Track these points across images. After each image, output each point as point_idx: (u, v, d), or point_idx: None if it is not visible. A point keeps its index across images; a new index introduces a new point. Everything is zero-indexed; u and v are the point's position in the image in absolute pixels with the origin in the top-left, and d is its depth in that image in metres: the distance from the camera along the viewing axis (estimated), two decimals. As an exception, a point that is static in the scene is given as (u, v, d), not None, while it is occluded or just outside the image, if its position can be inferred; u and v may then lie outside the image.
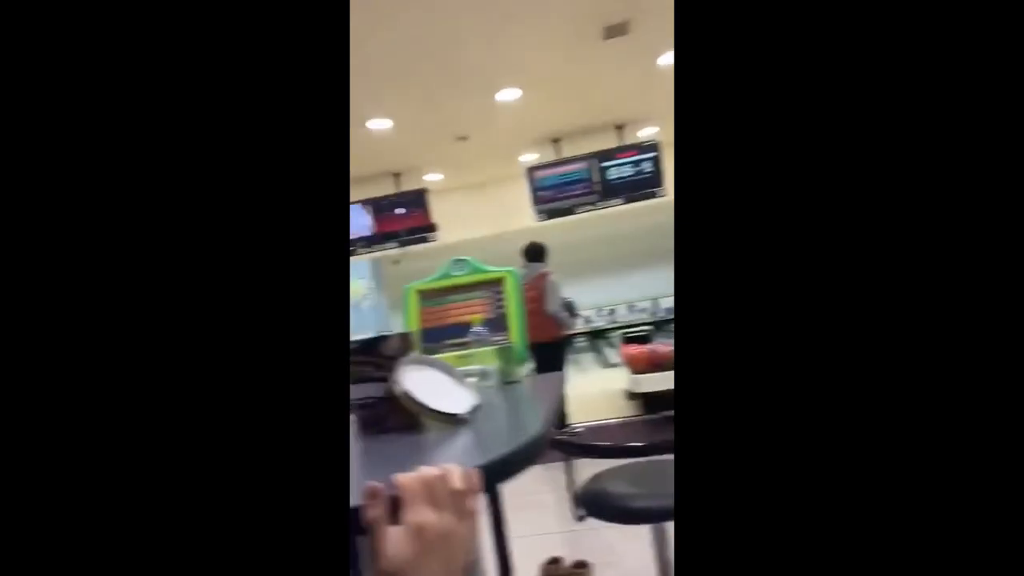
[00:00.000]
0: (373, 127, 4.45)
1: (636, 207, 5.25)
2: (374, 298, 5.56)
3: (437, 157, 5.56)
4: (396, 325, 5.51)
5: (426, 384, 0.84)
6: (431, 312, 1.43)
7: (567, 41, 3.60)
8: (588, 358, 7.88)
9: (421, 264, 4.94)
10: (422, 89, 3.95)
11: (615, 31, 3.54)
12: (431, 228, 5.44)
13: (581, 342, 7.94)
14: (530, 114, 4.73)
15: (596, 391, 5.06)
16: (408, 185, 5.63)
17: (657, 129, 5.55)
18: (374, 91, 3.86)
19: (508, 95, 4.31)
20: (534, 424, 0.76)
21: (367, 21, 2.90)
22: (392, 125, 4.47)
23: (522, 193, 5.25)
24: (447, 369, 0.92)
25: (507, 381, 1.21)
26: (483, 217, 6.42)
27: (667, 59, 4.07)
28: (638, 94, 4.72)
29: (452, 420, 0.81)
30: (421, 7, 2.88)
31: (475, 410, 0.84)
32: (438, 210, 5.51)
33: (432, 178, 6.06)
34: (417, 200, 5.43)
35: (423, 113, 4.38)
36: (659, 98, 4.78)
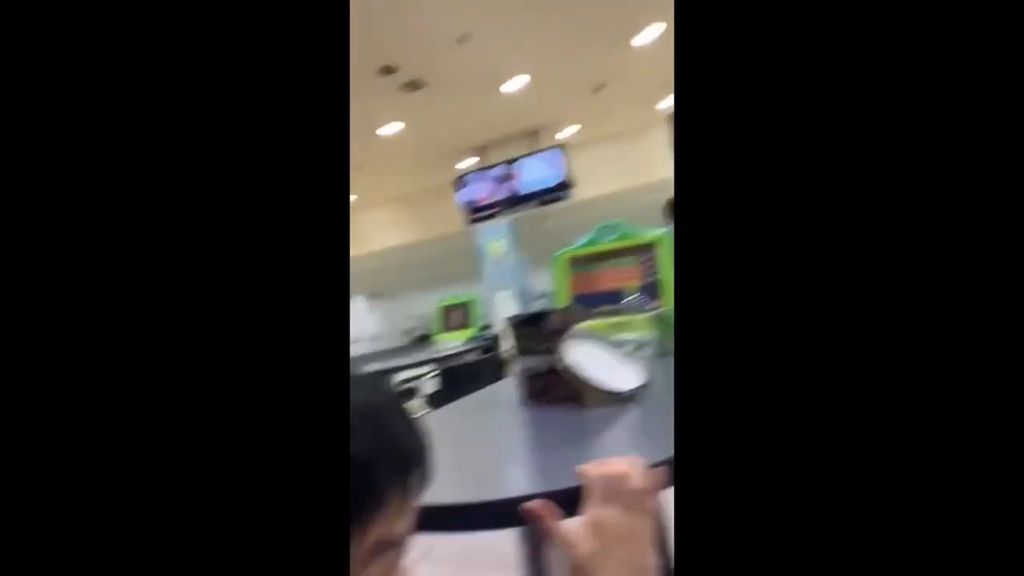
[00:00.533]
0: (507, 88, 4.45)
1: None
2: (512, 258, 5.74)
3: (573, 110, 5.43)
4: (535, 284, 5.65)
5: (591, 359, 0.84)
6: (582, 278, 1.43)
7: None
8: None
9: (563, 222, 4.92)
10: (555, 40, 3.83)
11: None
12: (567, 186, 5.39)
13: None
14: (669, 55, 4.34)
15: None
16: (545, 142, 5.60)
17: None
18: (505, 50, 3.84)
19: (646, 38, 4.00)
20: None
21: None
22: (528, 81, 4.43)
23: (663, 141, 4.93)
24: (612, 345, 0.91)
25: (665, 352, 1.16)
26: (624, 170, 6.17)
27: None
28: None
29: (617, 398, 0.80)
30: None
31: (641, 389, 0.83)
32: (577, 164, 5.42)
33: (568, 132, 5.94)
34: (553, 159, 5.39)
35: (558, 65, 4.26)
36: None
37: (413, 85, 3.92)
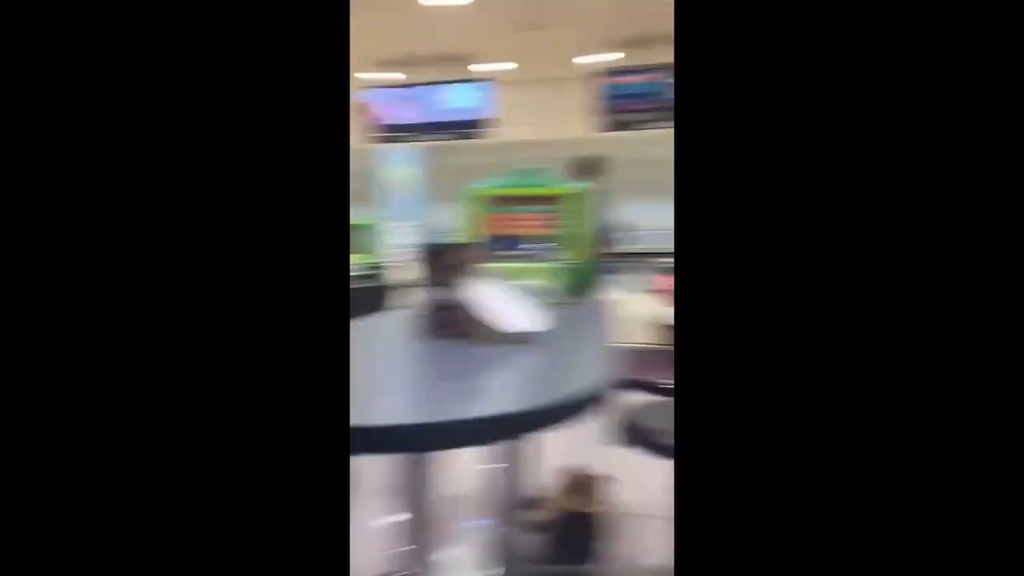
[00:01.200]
0: (436, 3, 4.12)
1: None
2: (418, 188, 5.53)
3: (508, 45, 5.19)
4: (439, 216, 5.53)
5: (490, 298, 0.83)
6: (492, 219, 1.40)
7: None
8: (635, 280, 7.85)
9: (476, 159, 4.81)
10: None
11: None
12: (488, 123, 5.23)
13: (629, 263, 7.86)
14: (618, 6, 4.28)
15: (639, 314, 5.07)
16: (470, 74, 5.33)
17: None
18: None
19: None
20: (592, 367, 0.75)
21: None
22: (466, 3, 4.13)
23: (594, 96, 4.93)
24: (514, 286, 0.91)
25: (568, 302, 1.19)
26: (543, 118, 6.10)
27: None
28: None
29: (509, 338, 0.80)
30: None
31: (535, 333, 0.84)
32: (503, 103, 5.26)
33: (501, 67, 5.70)
34: (480, 92, 5.17)
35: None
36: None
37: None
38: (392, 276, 4.03)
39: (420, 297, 0.89)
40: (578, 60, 5.25)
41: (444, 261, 0.86)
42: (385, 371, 0.79)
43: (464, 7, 4.15)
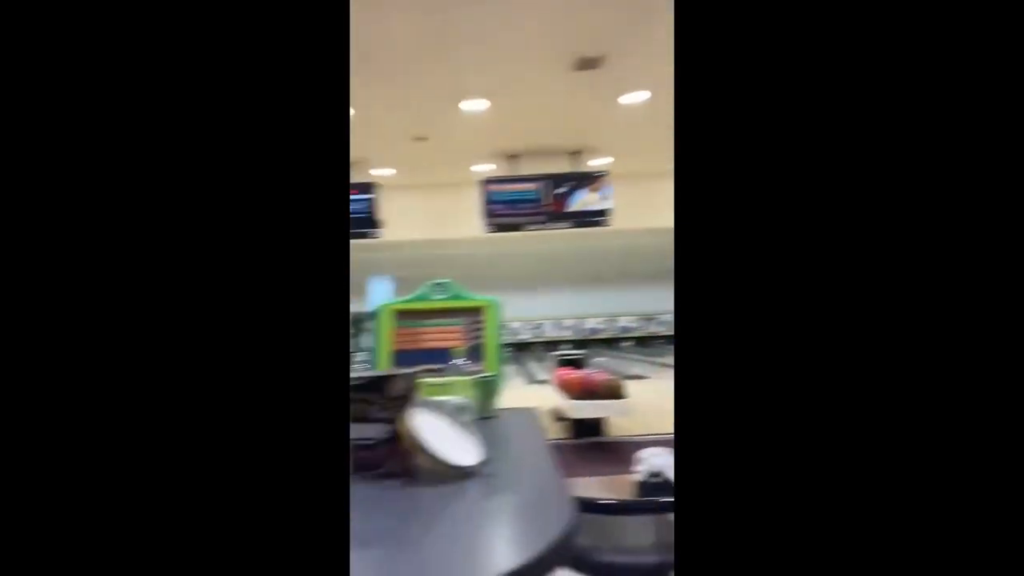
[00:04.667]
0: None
1: (579, 232, 5.42)
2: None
3: (393, 154, 5.43)
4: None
5: (434, 430, 0.82)
6: (407, 334, 1.39)
7: (541, 64, 3.67)
8: (512, 371, 7.98)
9: (364, 256, 4.75)
10: (386, 85, 3.84)
11: (587, 64, 3.65)
12: (375, 224, 5.27)
13: (508, 352, 8.05)
14: (492, 126, 4.74)
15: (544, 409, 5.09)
16: (359, 177, 5.44)
17: (611, 160, 5.75)
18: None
19: (474, 105, 4.30)
20: (553, 500, 0.75)
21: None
22: (352, 115, 4.30)
23: (473, 202, 5.25)
24: (453, 415, 0.90)
25: (484, 416, 1.20)
26: (432, 219, 6.32)
27: (630, 97, 4.25)
28: (597, 126, 4.89)
29: (460, 472, 0.79)
30: (412, 6, 2.81)
31: (482, 463, 0.83)
32: (388, 206, 5.37)
33: (384, 172, 5.89)
34: (365, 192, 5.25)
35: (385, 108, 4.26)
36: (616, 132, 4.98)
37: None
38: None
39: (356, 433, 0.84)
40: (456, 167, 5.64)
41: (382, 394, 0.84)
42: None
43: (353, 118, 4.32)
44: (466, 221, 5.57)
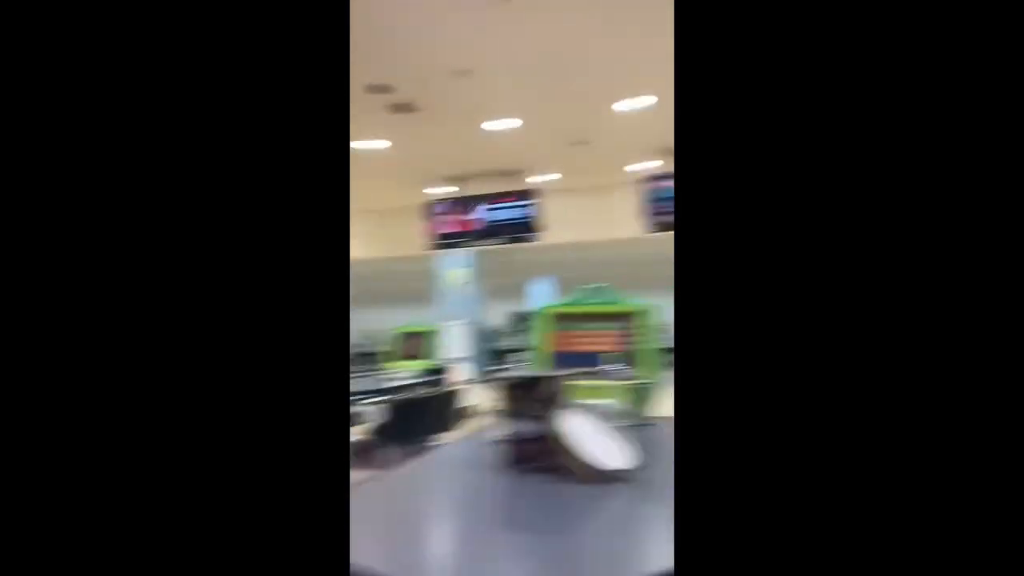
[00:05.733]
0: (494, 127, 4.54)
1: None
2: (470, 289, 5.78)
3: (554, 159, 5.58)
4: (491, 314, 5.66)
5: (583, 432, 0.85)
6: (563, 336, 1.45)
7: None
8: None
9: (526, 257, 4.93)
10: (544, 91, 3.96)
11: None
12: (535, 228, 5.49)
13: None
14: (655, 124, 4.59)
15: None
16: (523, 185, 5.72)
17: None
18: (499, 92, 3.94)
19: (628, 105, 4.21)
20: None
21: (496, 21, 2.95)
22: (517, 124, 4.54)
23: (632, 202, 5.14)
24: (605, 419, 0.92)
25: (639, 424, 1.19)
26: (590, 222, 6.36)
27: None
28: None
29: (608, 476, 0.81)
30: (551, 9, 2.88)
31: (634, 469, 0.84)
32: (551, 210, 5.56)
33: (548, 178, 6.09)
34: (523, 199, 5.50)
35: (545, 115, 4.40)
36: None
37: (406, 107, 3.95)
38: (450, 379, 4.07)
39: (503, 427, 0.91)
40: (612, 170, 5.56)
41: (533, 393, 0.90)
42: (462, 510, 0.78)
43: (513, 127, 4.56)
44: (625, 222, 5.49)
